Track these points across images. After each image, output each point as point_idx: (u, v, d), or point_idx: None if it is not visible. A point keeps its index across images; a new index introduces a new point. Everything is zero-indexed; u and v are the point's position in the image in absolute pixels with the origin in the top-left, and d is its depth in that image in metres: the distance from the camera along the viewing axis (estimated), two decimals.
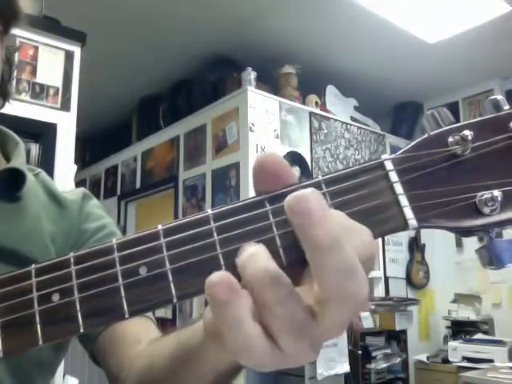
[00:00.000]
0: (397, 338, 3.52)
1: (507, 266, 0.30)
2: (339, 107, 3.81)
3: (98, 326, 0.32)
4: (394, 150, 4.15)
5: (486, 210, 0.30)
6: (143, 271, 0.31)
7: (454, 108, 4.17)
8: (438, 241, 4.14)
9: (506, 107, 0.32)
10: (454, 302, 4.03)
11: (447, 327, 3.97)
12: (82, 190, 0.73)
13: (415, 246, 4.08)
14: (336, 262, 0.26)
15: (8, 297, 0.32)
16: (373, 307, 3.42)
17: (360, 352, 3.04)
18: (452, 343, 3.57)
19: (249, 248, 0.29)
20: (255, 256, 0.29)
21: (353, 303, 0.27)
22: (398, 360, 3.42)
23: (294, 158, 3.27)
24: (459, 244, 3.98)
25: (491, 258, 0.31)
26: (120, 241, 0.32)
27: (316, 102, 3.64)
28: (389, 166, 0.32)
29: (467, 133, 0.31)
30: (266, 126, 3.23)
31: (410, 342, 3.55)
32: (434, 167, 0.32)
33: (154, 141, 4.07)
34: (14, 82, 0.69)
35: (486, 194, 0.30)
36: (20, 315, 0.32)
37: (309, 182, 0.32)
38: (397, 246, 3.97)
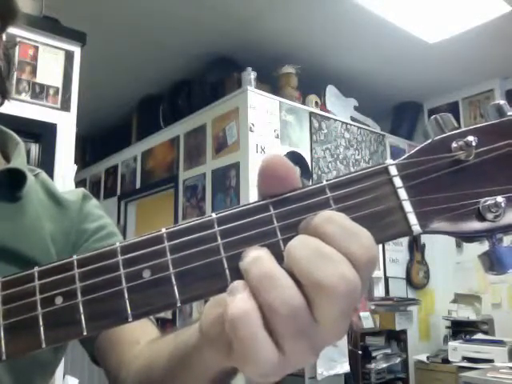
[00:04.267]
0: (397, 338, 3.53)
1: (509, 272, 0.30)
2: (339, 107, 3.81)
3: (101, 329, 0.32)
4: (393, 150, 4.16)
5: (490, 216, 0.30)
6: (147, 274, 0.31)
7: (454, 108, 4.17)
8: (438, 241, 4.14)
9: (510, 112, 0.32)
10: (454, 302, 4.03)
11: (447, 327, 3.96)
12: (81, 190, 0.74)
13: (415, 246, 4.08)
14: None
15: (11, 299, 0.32)
16: (373, 307, 3.42)
17: (360, 352, 3.04)
18: (452, 343, 3.56)
19: (252, 251, 0.30)
20: (258, 258, 0.29)
21: (337, 293, 0.27)
22: (398, 360, 3.42)
23: (294, 158, 3.27)
24: (459, 244, 3.98)
25: (493, 264, 0.31)
26: (123, 244, 0.32)
27: (316, 102, 3.64)
28: (393, 171, 0.32)
29: (471, 138, 0.31)
30: (265, 125, 3.22)
31: (410, 342, 3.55)
32: (438, 173, 0.32)
33: (154, 141, 4.07)
34: (13, 81, 0.69)
35: (490, 200, 0.31)
36: (23, 318, 0.32)
37: (313, 187, 0.32)
38: (397, 246, 3.97)
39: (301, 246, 0.29)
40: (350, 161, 3.76)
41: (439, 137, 0.33)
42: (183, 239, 0.31)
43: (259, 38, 3.37)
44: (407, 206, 0.31)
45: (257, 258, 0.29)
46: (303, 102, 3.57)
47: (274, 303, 0.28)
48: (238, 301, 0.28)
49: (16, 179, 0.62)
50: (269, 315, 0.28)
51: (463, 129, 0.32)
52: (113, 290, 0.31)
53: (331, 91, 3.78)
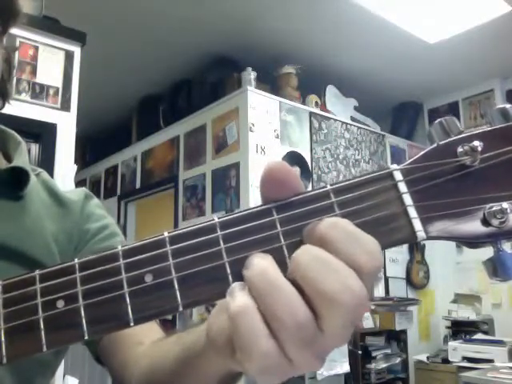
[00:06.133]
0: (397, 338, 3.53)
1: None
2: (339, 107, 3.81)
3: (103, 333, 0.32)
4: (393, 150, 4.16)
5: (495, 222, 0.30)
6: (149, 279, 0.31)
7: (454, 108, 4.17)
8: (438, 241, 4.13)
9: None
10: (454, 302, 4.03)
11: (447, 327, 3.96)
12: (83, 189, 0.73)
13: (415, 246, 4.08)
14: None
15: (12, 302, 0.32)
16: (373, 307, 3.42)
17: (360, 352, 3.04)
18: (452, 343, 3.56)
19: (256, 260, 0.30)
20: (263, 269, 0.29)
21: (343, 304, 0.27)
22: (398, 360, 3.42)
23: (294, 158, 3.27)
24: (459, 244, 3.98)
25: (498, 270, 0.31)
26: (125, 248, 0.32)
27: (316, 102, 3.64)
28: (398, 176, 0.32)
29: (477, 143, 0.31)
30: (265, 125, 3.22)
31: (410, 342, 3.55)
32: (443, 178, 0.31)
33: (154, 141, 4.07)
34: (13, 82, 0.69)
35: (495, 206, 0.30)
36: (24, 321, 0.31)
37: (317, 191, 0.32)
38: (397, 247, 3.96)
39: (306, 257, 0.29)
40: (349, 161, 3.76)
41: (444, 141, 0.32)
42: (185, 243, 0.31)
43: (259, 38, 3.37)
44: (412, 212, 0.31)
45: (261, 268, 0.29)
46: (303, 102, 3.57)
47: (279, 314, 0.27)
48: (236, 298, 0.29)
49: (18, 178, 0.62)
50: (274, 325, 0.28)
51: (468, 133, 0.32)
52: (115, 294, 0.31)
53: (331, 91, 3.77)
